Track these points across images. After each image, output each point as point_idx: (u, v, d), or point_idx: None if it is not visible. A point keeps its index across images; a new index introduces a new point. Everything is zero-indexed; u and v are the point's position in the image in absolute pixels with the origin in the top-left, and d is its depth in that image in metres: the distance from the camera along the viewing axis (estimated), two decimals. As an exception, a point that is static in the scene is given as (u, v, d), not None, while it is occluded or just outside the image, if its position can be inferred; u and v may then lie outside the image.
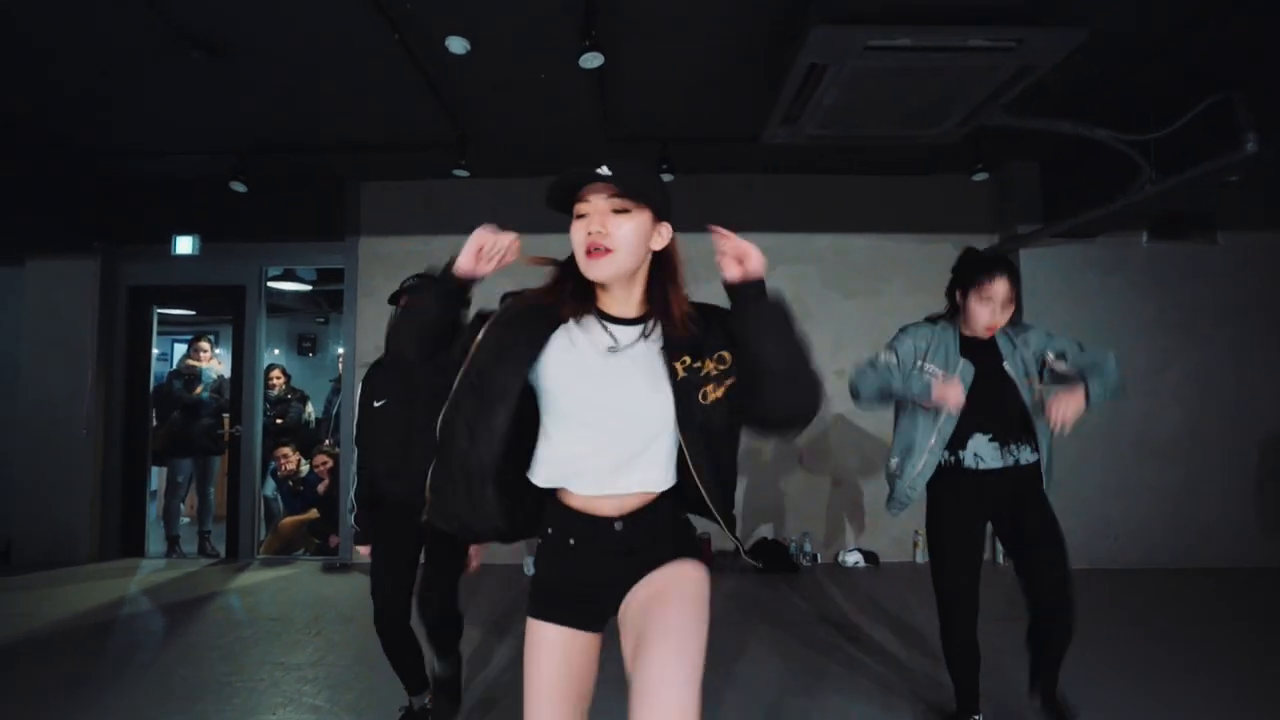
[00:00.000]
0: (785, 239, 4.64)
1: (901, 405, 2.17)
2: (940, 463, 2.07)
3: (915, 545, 4.51)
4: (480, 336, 1.19)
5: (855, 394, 2.13)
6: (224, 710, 2.46)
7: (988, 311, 2.00)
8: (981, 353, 2.06)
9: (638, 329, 1.21)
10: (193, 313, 7.06)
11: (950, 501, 2.09)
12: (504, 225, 4.09)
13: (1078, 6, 2.44)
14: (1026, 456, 2.05)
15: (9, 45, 2.92)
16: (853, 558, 4.46)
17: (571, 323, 1.21)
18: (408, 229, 4.69)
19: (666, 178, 4.14)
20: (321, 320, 8.15)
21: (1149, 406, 4.39)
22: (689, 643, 1.10)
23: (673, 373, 1.16)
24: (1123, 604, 3.64)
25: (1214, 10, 2.62)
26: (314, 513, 5.02)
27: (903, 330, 2.16)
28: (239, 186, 4.03)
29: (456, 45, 2.87)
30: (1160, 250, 4.46)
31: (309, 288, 6.22)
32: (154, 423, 5.05)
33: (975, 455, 2.05)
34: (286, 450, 5.03)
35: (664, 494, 1.20)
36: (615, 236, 1.14)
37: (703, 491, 1.16)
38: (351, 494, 2.20)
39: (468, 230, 4.20)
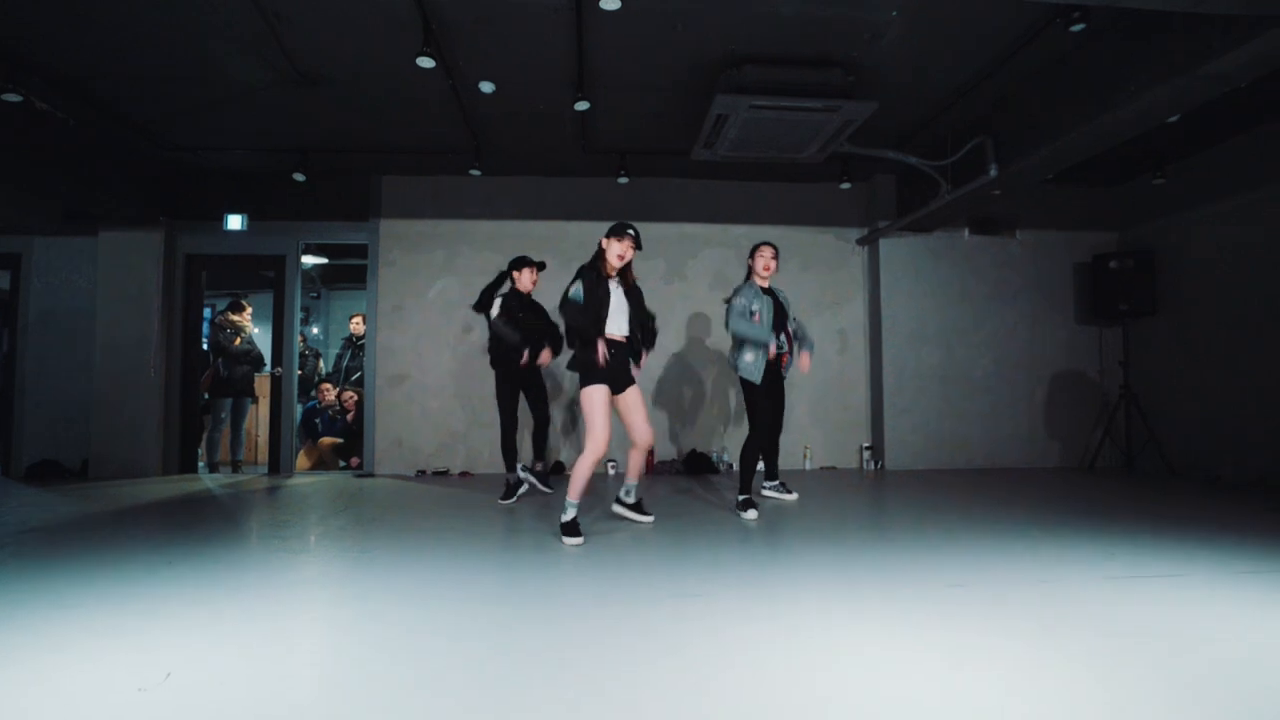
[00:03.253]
0: (710, 228, 6.18)
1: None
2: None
3: (805, 456, 6.11)
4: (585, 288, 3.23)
5: (738, 335, 3.96)
6: (341, 518, 3.78)
7: (760, 262, 4.02)
8: (769, 294, 4.03)
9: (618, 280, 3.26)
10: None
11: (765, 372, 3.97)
12: (497, 213, 6.40)
13: (871, 89, 4.07)
14: (783, 344, 4.02)
15: (135, 57, 4.08)
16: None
17: (608, 279, 3.28)
18: (420, 214, 6.00)
19: (623, 180, 5.61)
20: (314, 295, 9.26)
21: (968, 354, 6.14)
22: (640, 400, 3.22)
23: (626, 289, 3.19)
24: (946, 495, 5.32)
25: (969, 87, 4.28)
26: (339, 440, 6.26)
27: (740, 291, 4.03)
28: (299, 177, 5.27)
29: (486, 86, 4.25)
30: (977, 242, 6.21)
31: (325, 260, 7.41)
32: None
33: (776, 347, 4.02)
34: (327, 386, 6.32)
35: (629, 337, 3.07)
36: (630, 257, 3.28)
37: (637, 328, 3.12)
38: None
39: (470, 216, 6.59)
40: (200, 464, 6.20)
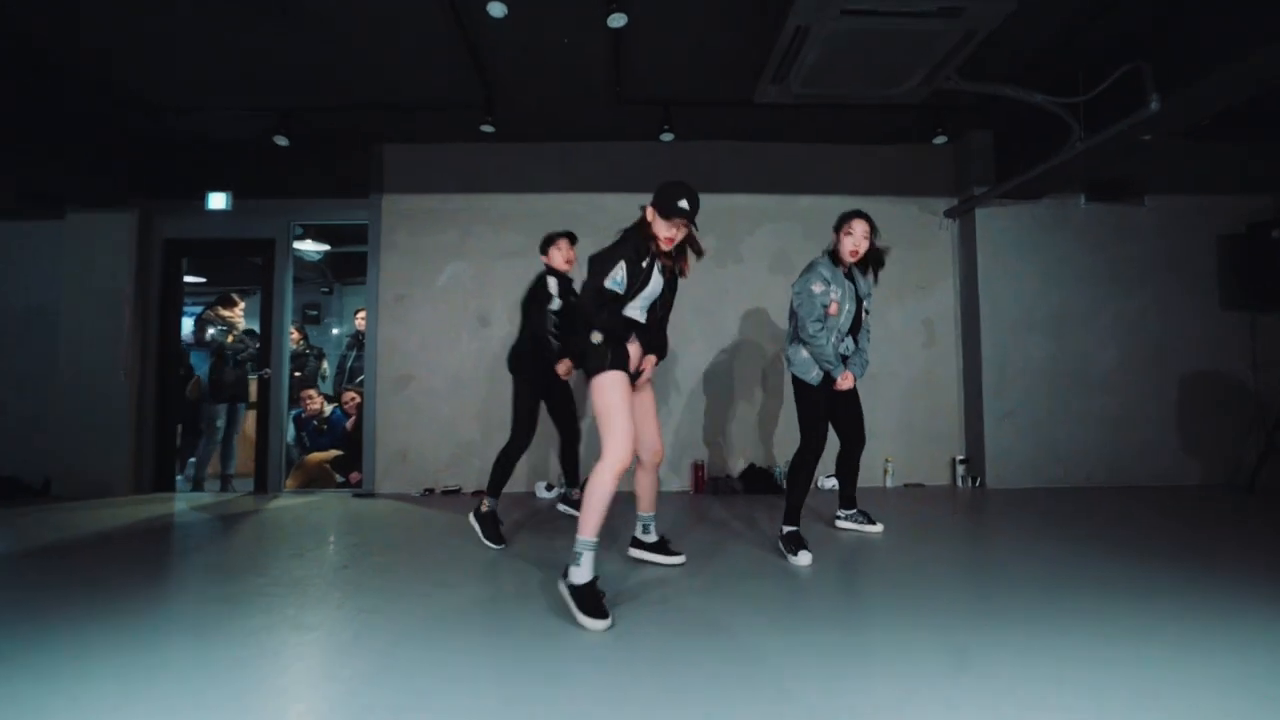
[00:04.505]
0: (771, 199, 5.18)
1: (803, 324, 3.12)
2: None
3: (885, 471, 5.07)
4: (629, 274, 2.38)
5: (812, 339, 3.05)
6: (305, 564, 2.90)
7: (850, 240, 3.04)
8: (848, 278, 3.13)
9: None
10: (204, 280, 7.40)
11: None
12: (519, 185, 5.04)
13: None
14: (849, 347, 3.16)
15: None
16: (830, 483, 5.00)
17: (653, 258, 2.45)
18: (429, 188, 5.13)
19: (668, 137, 4.66)
20: (326, 290, 8.51)
21: (1086, 346, 5.02)
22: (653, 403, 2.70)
23: (664, 269, 2.47)
24: (1085, 525, 4.16)
25: (1124, -10, 3.21)
26: (334, 452, 5.42)
27: (813, 269, 3.12)
28: (281, 140, 4.44)
29: (496, 10, 3.34)
30: (1096, 211, 5.09)
31: (328, 247, 6.60)
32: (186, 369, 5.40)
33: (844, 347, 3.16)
34: (311, 392, 5.44)
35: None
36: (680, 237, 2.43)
37: (666, 314, 2.60)
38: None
39: (487, 189, 5.24)
40: (183, 479, 5.43)
